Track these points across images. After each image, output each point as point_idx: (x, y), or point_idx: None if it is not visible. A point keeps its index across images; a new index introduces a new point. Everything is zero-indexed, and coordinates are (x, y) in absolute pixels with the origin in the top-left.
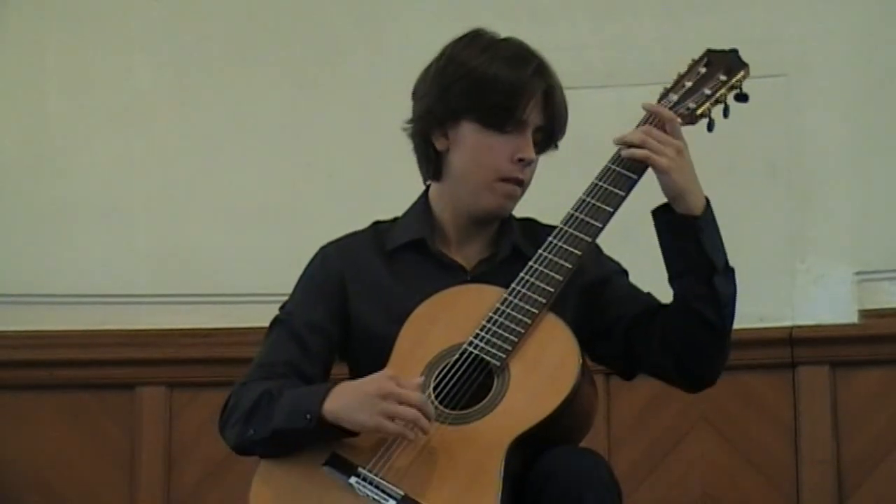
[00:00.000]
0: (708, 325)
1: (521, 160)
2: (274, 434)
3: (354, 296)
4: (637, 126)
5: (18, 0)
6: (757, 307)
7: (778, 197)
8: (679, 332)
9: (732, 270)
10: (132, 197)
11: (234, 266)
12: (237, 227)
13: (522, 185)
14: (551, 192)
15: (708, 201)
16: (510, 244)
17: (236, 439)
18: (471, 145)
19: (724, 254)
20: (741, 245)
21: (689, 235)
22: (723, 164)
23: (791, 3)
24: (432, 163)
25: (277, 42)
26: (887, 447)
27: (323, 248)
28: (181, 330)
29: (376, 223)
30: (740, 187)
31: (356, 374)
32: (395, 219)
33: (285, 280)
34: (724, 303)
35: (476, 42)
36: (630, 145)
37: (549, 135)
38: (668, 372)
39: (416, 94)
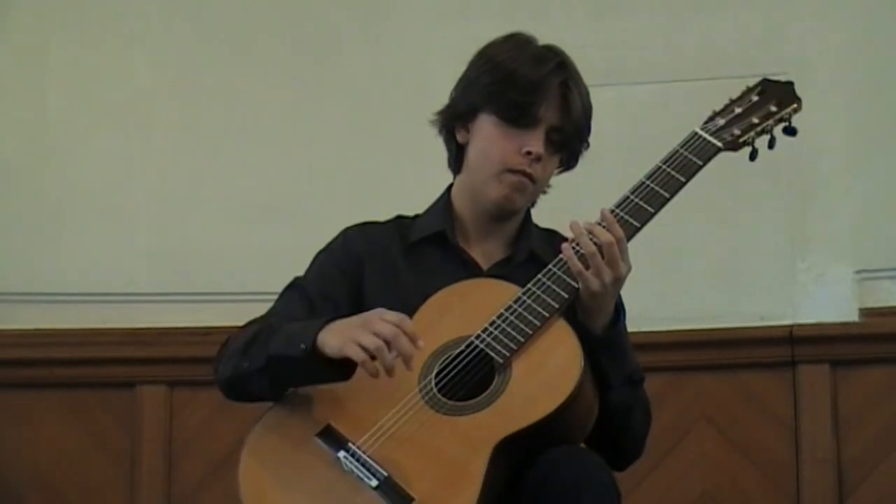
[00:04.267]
0: (601, 428)
1: (528, 153)
2: (269, 361)
3: (370, 280)
4: (679, 144)
5: None
6: (757, 306)
7: (778, 195)
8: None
9: (637, 382)
10: (132, 195)
11: (235, 264)
12: (237, 225)
13: (532, 179)
14: (553, 189)
15: (615, 316)
16: (527, 248)
17: (230, 373)
18: (485, 136)
19: (629, 363)
20: (741, 244)
21: (591, 352)
22: (723, 162)
23: (791, 1)
24: (454, 155)
25: (277, 40)
26: (888, 446)
27: (346, 229)
28: (181, 328)
29: (399, 217)
30: (741, 186)
31: None
32: (417, 216)
33: (286, 278)
34: (616, 411)
35: (509, 41)
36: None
37: (566, 136)
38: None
39: (453, 89)
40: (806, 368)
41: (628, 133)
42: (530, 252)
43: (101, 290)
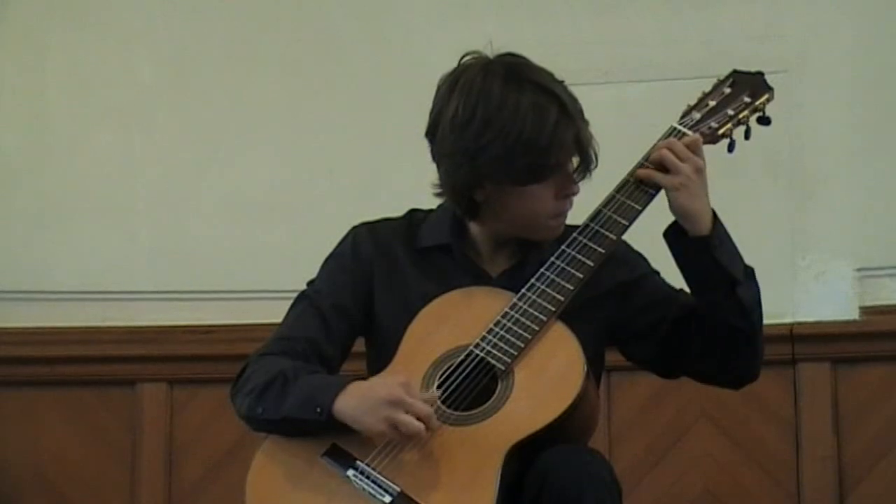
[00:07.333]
0: (737, 331)
1: (566, 196)
2: (284, 420)
3: (379, 285)
4: (660, 139)
5: None
6: None
7: (778, 193)
8: (712, 341)
9: (752, 271)
10: (133, 193)
11: (236, 262)
12: (238, 223)
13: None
14: None
15: (715, 214)
16: (538, 258)
17: (246, 412)
18: (515, 197)
19: (741, 261)
20: (742, 242)
21: (703, 255)
22: (723, 160)
23: None
24: (467, 209)
25: (278, 37)
26: (888, 444)
27: (355, 229)
28: (182, 326)
29: (413, 211)
30: (741, 184)
31: (368, 359)
32: (431, 210)
33: (286, 276)
34: (750, 308)
35: (490, 93)
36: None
37: (585, 165)
38: (710, 376)
39: (439, 144)
40: (806, 366)
41: (628, 131)
42: (541, 259)
43: (102, 287)
